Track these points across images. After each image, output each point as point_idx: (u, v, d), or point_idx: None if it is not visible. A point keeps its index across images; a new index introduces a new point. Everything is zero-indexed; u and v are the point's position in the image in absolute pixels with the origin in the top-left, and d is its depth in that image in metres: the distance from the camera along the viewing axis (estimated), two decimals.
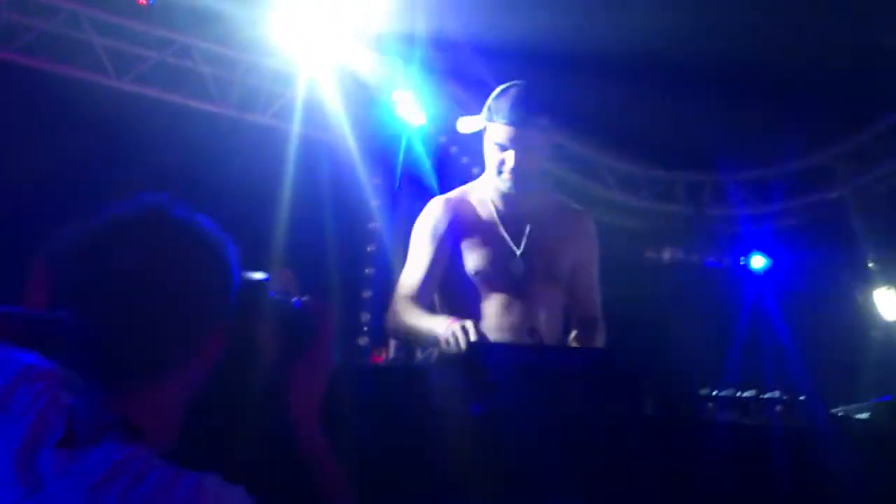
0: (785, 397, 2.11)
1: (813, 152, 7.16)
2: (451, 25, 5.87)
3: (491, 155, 2.86)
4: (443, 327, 2.51)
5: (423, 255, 2.87)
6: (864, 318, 6.84)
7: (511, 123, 2.77)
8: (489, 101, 2.86)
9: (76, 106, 5.47)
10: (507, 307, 2.80)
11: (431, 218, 2.91)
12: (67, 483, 1.15)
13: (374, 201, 7.03)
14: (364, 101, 6.51)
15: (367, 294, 7.31)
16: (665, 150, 7.10)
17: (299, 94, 6.01)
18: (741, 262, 7.35)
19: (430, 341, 2.63)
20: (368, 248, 7.33)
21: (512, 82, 2.86)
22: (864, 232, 6.90)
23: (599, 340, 2.81)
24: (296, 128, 6.05)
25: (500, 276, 2.82)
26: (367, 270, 7.36)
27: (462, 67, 6.27)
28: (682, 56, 5.59)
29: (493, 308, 2.81)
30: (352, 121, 6.27)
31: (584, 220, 3.03)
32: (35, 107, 5.35)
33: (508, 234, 2.87)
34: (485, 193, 2.94)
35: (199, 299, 1.24)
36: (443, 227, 2.88)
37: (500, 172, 2.84)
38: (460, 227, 2.88)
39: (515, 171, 2.81)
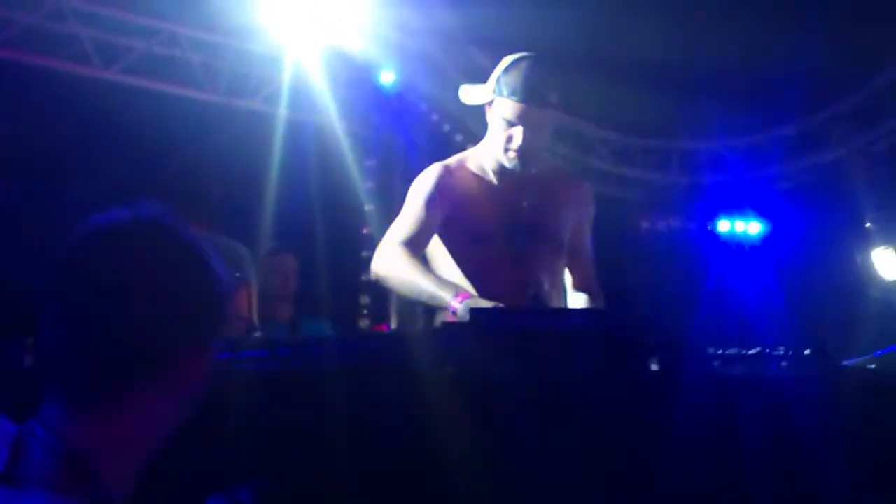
0: (790, 352, 2.10)
1: (808, 114, 7.14)
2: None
3: (497, 129, 2.78)
4: (453, 299, 2.48)
5: (418, 215, 2.77)
6: (862, 278, 6.85)
7: (522, 101, 2.70)
8: (498, 72, 2.77)
9: (64, 99, 5.44)
10: (508, 274, 2.74)
11: (428, 182, 2.83)
12: None
13: (368, 183, 7.01)
14: (353, 82, 6.48)
15: (365, 277, 7.30)
16: (658, 119, 7.07)
17: (286, 78, 5.97)
18: (738, 228, 7.34)
19: (422, 300, 2.62)
20: (364, 231, 7.31)
21: (522, 54, 2.77)
22: (862, 192, 6.90)
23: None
24: (283, 111, 6.00)
25: (500, 242, 2.78)
26: (363, 253, 7.34)
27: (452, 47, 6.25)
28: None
29: (492, 275, 2.75)
30: (342, 103, 6.24)
31: (580, 188, 3.02)
32: (23, 101, 5.31)
33: (509, 201, 2.82)
34: (485, 161, 2.87)
35: (174, 308, 1.15)
36: (439, 191, 2.80)
37: (506, 150, 2.78)
38: (458, 194, 2.82)
39: (523, 149, 2.75)
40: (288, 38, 5.84)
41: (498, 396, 1.76)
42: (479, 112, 2.92)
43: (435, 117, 6.95)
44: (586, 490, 1.68)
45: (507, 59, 2.78)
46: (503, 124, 2.76)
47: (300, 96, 6.08)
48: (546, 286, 2.80)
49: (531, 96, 2.70)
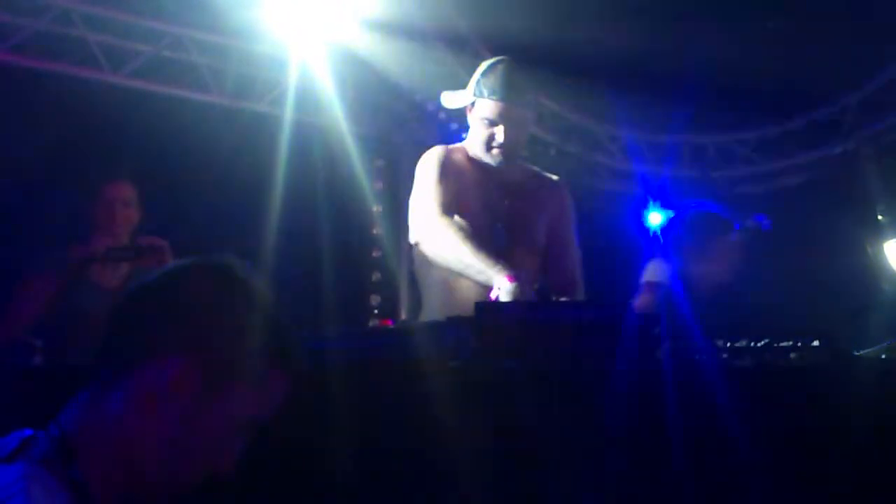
0: (799, 343, 2.10)
1: (818, 107, 7.11)
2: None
3: (480, 130, 2.92)
4: (500, 280, 2.54)
5: (441, 184, 2.88)
6: (874, 269, 6.80)
7: (501, 99, 2.85)
8: (477, 76, 2.92)
9: (74, 103, 5.45)
10: None
11: (437, 159, 2.95)
12: None
13: (376, 184, 7.02)
14: (360, 83, 6.49)
15: (376, 276, 7.30)
16: (667, 114, 7.05)
17: (292, 79, 5.97)
18: (748, 222, 7.31)
19: (468, 273, 2.69)
20: (374, 232, 7.31)
21: (498, 58, 2.93)
22: (874, 184, 6.86)
23: None
24: (289, 113, 6.00)
25: (482, 239, 2.85)
26: (373, 254, 7.34)
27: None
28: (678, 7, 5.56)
29: None
30: (349, 104, 6.24)
31: (558, 189, 3.10)
32: (32, 106, 5.33)
33: (491, 201, 2.94)
34: (471, 160, 3.00)
35: (181, 309, 1.21)
36: (446, 168, 2.92)
37: (489, 148, 2.91)
38: (456, 177, 2.93)
39: (505, 146, 2.89)
40: (293, 39, 5.84)
41: (503, 389, 1.76)
42: None
43: (442, 115, 6.94)
44: (592, 480, 1.67)
45: (485, 64, 2.93)
46: (485, 124, 2.89)
47: (307, 98, 6.08)
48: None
49: (510, 95, 2.85)
